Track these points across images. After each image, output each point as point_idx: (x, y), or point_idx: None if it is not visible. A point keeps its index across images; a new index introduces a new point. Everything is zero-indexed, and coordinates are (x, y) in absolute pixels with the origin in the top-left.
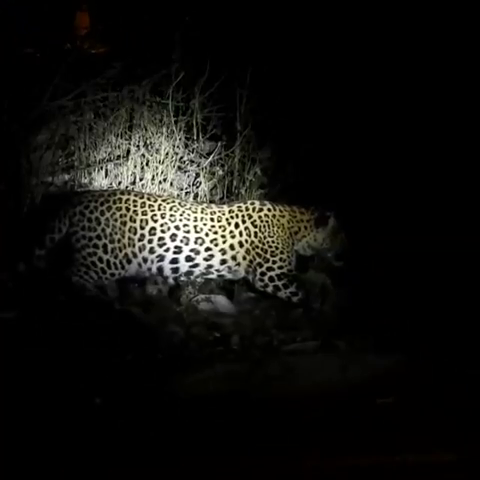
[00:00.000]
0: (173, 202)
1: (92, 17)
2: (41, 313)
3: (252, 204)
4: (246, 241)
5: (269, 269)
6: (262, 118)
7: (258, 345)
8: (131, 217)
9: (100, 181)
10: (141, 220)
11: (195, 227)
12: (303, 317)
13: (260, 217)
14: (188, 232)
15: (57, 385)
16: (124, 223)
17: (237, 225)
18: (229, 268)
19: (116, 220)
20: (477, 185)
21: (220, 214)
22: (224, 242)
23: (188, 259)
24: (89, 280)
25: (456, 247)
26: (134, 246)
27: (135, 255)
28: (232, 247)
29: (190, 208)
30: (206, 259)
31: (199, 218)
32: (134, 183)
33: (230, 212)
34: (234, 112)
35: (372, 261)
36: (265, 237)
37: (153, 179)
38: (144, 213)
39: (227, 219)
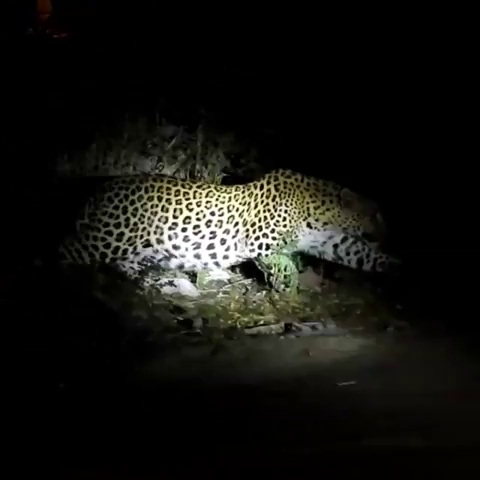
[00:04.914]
0: (209, 187)
1: (54, 2)
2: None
3: (284, 169)
4: (262, 202)
5: (265, 236)
6: (225, 102)
7: (221, 328)
8: (163, 206)
9: (63, 165)
10: (175, 209)
11: (229, 207)
12: (266, 300)
13: (285, 183)
14: (222, 215)
15: (18, 372)
16: (155, 213)
17: (262, 186)
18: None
19: (146, 210)
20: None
21: (252, 183)
22: (248, 210)
23: (222, 242)
24: (74, 258)
25: (453, 247)
26: (162, 234)
27: (161, 242)
28: (248, 211)
29: (225, 190)
30: (234, 236)
31: (233, 196)
32: (97, 168)
33: (261, 179)
34: (197, 96)
35: None
36: (281, 204)
37: (116, 163)
38: (178, 202)
39: (255, 185)
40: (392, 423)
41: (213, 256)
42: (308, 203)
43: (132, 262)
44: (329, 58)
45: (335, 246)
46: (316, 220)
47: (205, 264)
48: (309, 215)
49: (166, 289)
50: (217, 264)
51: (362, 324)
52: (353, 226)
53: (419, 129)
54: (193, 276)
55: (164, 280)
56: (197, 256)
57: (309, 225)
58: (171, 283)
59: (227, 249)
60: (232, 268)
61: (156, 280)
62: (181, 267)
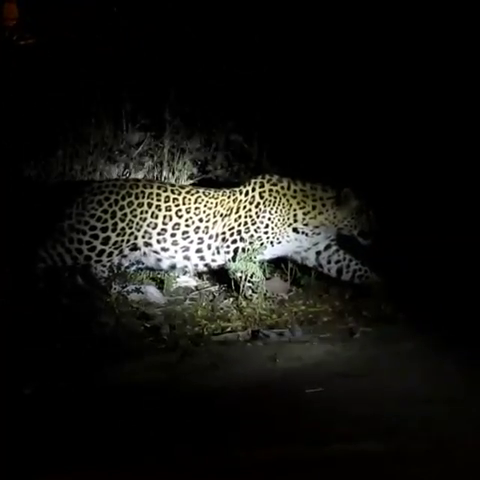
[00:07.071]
0: (197, 192)
1: (20, 8)
2: None
3: (270, 175)
4: (244, 207)
5: (241, 240)
6: (191, 108)
7: (188, 335)
8: (153, 213)
9: (28, 171)
10: (164, 216)
11: (214, 213)
12: (233, 307)
13: (270, 190)
14: (208, 221)
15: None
16: (144, 219)
17: (247, 193)
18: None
19: (135, 216)
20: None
21: (238, 189)
22: (229, 215)
23: (209, 247)
24: (55, 262)
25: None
26: (150, 238)
27: (149, 244)
28: (229, 215)
29: (213, 195)
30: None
31: (219, 202)
32: (63, 174)
33: (246, 185)
34: (163, 102)
35: None
36: (264, 211)
37: (83, 170)
38: (168, 208)
39: (241, 190)
40: (357, 429)
41: (202, 258)
42: (295, 210)
43: (104, 266)
44: (302, 59)
45: (318, 253)
46: (305, 224)
47: (195, 265)
48: (296, 221)
49: (133, 296)
50: (207, 265)
51: (329, 331)
52: (350, 225)
53: (409, 127)
54: (160, 283)
55: (131, 287)
56: (186, 258)
57: (296, 230)
58: (138, 290)
59: (213, 253)
60: (199, 275)
61: (123, 287)
62: (173, 267)
